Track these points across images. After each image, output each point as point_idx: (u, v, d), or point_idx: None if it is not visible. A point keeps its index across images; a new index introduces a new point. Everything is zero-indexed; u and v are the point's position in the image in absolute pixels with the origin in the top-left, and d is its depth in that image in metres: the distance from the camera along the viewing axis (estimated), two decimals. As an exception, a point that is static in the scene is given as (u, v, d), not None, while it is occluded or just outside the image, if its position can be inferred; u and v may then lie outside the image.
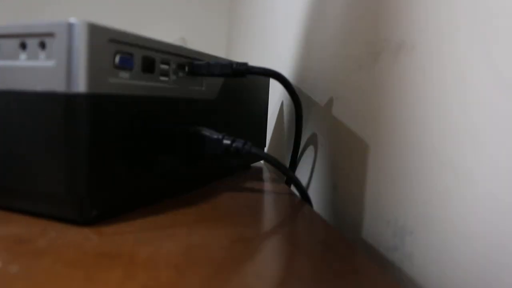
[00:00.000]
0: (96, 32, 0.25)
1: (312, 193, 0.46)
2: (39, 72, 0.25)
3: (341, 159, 0.38)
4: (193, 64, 0.36)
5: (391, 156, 0.29)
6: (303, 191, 0.37)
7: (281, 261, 0.23)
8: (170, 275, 0.20)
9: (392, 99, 0.30)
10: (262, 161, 0.61)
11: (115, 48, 0.27)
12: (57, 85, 0.25)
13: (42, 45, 0.26)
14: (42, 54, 0.26)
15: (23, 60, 0.26)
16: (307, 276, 0.21)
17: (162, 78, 0.32)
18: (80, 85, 0.25)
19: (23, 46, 0.26)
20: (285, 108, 0.62)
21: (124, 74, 0.28)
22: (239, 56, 1.25)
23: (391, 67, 0.30)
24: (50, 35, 0.25)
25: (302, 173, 0.51)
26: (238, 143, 0.35)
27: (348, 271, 0.22)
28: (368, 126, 0.33)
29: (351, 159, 0.36)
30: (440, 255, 0.23)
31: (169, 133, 0.33)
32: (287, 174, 0.37)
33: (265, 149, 0.73)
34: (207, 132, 0.36)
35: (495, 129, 0.20)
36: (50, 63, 0.25)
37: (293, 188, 0.52)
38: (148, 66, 0.30)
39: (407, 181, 0.27)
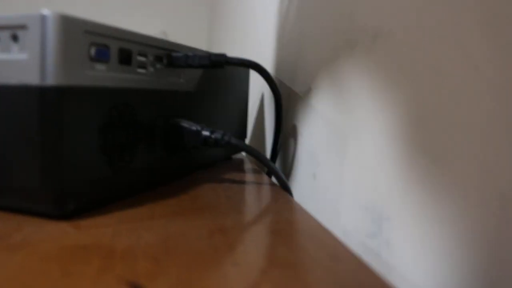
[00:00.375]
0: (69, 24, 0.25)
1: (293, 182, 0.46)
2: (12, 65, 0.25)
3: (320, 148, 0.39)
4: (171, 56, 0.36)
5: (368, 143, 0.30)
6: (282, 181, 0.37)
7: (260, 249, 0.23)
8: (148, 266, 0.20)
9: (369, 88, 0.30)
10: (243, 153, 0.61)
11: (90, 40, 0.27)
12: (31, 78, 0.25)
13: (15, 38, 0.25)
14: (14, 47, 0.25)
15: (-5, 53, 0.26)
16: (285, 263, 0.22)
17: (140, 70, 0.32)
18: (54, 78, 0.24)
19: (-5, 38, 0.26)
20: (265, 99, 0.62)
21: (101, 66, 0.28)
22: (220, 49, 1.24)
23: (368, 55, 0.30)
24: (23, 27, 0.25)
25: (282, 164, 0.51)
26: (217, 134, 0.35)
27: (326, 257, 0.23)
28: (345, 115, 0.33)
29: (329, 148, 0.36)
30: (416, 240, 0.24)
31: (148, 125, 0.33)
32: (266, 164, 0.37)
33: (247, 141, 0.73)
34: (186, 123, 0.36)
35: (469, 115, 0.21)
36: (23, 55, 0.25)
37: (274, 179, 0.52)
38: (125, 58, 0.30)
39: (384, 168, 0.27)
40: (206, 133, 0.35)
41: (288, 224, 0.28)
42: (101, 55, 0.28)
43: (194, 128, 0.35)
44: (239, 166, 0.49)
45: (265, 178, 0.43)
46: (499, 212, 0.18)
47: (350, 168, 0.32)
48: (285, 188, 0.38)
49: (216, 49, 1.33)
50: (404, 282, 0.25)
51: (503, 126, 0.18)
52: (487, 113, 0.19)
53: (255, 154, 0.36)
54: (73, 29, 0.25)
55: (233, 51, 0.98)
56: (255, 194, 0.36)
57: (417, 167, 0.24)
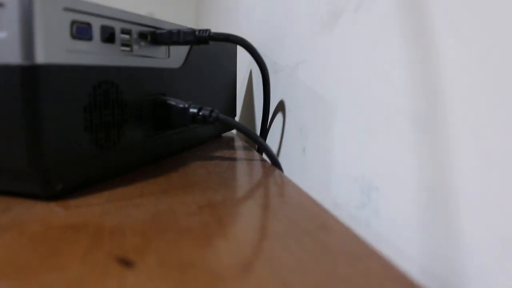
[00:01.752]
0: (48, 0, 0.24)
1: (282, 158, 0.46)
2: (-9, 44, 0.25)
3: (308, 122, 0.38)
4: (155, 33, 0.35)
5: (356, 115, 0.30)
6: (272, 156, 0.37)
7: (249, 222, 0.23)
8: (137, 242, 0.20)
9: (354, 59, 0.30)
10: (233, 131, 0.60)
11: (71, 17, 0.26)
12: (12, 57, 0.24)
13: (-8, 17, 0.25)
14: (-7, 26, 0.25)
15: (-27, 33, 0.25)
16: (275, 234, 0.22)
17: (124, 48, 0.31)
18: (35, 56, 0.24)
19: (-27, 18, 0.25)
20: (254, 76, 0.62)
21: (83, 44, 0.27)
22: (207, 27, 1.23)
23: (351, 26, 0.30)
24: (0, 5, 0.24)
25: (272, 139, 0.51)
26: (205, 111, 0.35)
27: (316, 229, 0.23)
28: (332, 87, 0.33)
29: (317, 121, 0.36)
30: (405, 209, 0.24)
31: (134, 103, 0.33)
32: (255, 139, 0.37)
33: (237, 119, 0.73)
34: (173, 101, 0.35)
35: (454, 83, 0.21)
36: (2, 34, 0.24)
37: (265, 155, 0.52)
38: (108, 36, 0.30)
39: (372, 139, 0.27)
40: (193, 110, 0.35)
41: (278, 198, 0.28)
42: (83, 33, 0.27)
43: (181, 105, 0.35)
44: (229, 143, 0.49)
45: (255, 154, 0.42)
46: (488, 175, 0.19)
47: (338, 141, 0.32)
48: (275, 163, 0.38)
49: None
50: (393, 249, 0.25)
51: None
52: (480, 85, 0.19)
53: (244, 130, 0.36)
54: (52, 6, 0.25)
55: (221, 30, 0.97)
56: (245, 170, 0.36)
57: (406, 136, 0.24)
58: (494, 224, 0.18)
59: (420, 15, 0.23)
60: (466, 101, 0.20)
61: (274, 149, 0.50)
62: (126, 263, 0.18)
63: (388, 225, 0.25)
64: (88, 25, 0.28)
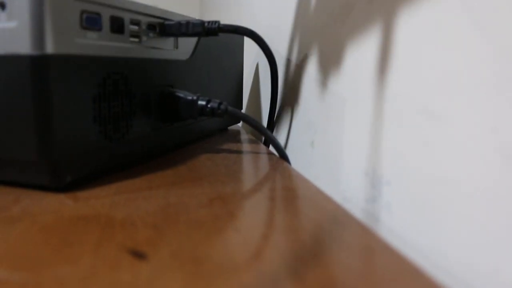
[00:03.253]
0: (58, -10, 0.24)
1: (291, 151, 0.46)
2: (0, 34, 0.24)
3: (317, 115, 0.38)
4: (164, 24, 0.35)
5: (366, 108, 0.29)
6: (280, 149, 0.37)
7: (260, 215, 0.23)
8: (149, 233, 0.20)
9: (367, 51, 0.29)
10: (239, 124, 0.60)
11: (81, 7, 0.26)
12: (21, 47, 0.24)
13: (2, 6, 0.24)
14: (2, 16, 0.24)
15: (-17, 22, 0.25)
16: (286, 228, 0.21)
17: (133, 39, 0.31)
18: (45, 46, 0.24)
19: (-18, 7, 0.25)
20: (260, 69, 0.61)
21: (92, 35, 0.27)
22: (213, 19, 1.22)
23: (364, 19, 0.30)
24: (10, -6, 0.24)
25: (280, 132, 0.51)
26: (214, 104, 0.35)
27: (327, 222, 0.22)
28: (343, 80, 0.33)
29: (327, 115, 0.36)
30: (417, 203, 0.24)
31: (143, 95, 0.32)
32: (263, 132, 0.37)
33: (243, 111, 0.72)
34: (181, 93, 0.35)
35: (468, 77, 0.20)
36: (12, 24, 0.24)
37: (272, 149, 0.52)
38: (117, 27, 0.29)
39: (383, 132, 0.27)
40: (202, 102, 0.35)
41: (287, 191, 0.28)
42: (93, 23, 0.27)
43: (190, 97, 0.35)
44: (236, 136, 0.49)
45: (262, 147, 0.42)
46: (500, 168, 0.18)
47: (348, 134, 0.32)
48: (283, 156, 0.37)
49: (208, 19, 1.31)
50: (404, 244, 0.25)
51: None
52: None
53: (252, 122, 0.36)
54: (62, -4, 0.25)
55: (226, 22, 0.97)
56: (253, 163, 0.36)
57: (416, 129, 0.24)
58: (507, 222, 0.18)
59: (436, 8, 0.23)
60: (470, 99, 0.19)
61: (281, 142, 0.50)
62: (138, 255, 0.18)
63: (400, 221, 0.25)
64: (98, 15, 0.28)
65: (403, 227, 0.25)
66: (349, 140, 0.32)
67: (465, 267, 0.20)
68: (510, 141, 0.18)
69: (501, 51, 0.18)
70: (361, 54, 0.30)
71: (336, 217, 0.23)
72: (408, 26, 0.25)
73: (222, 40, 0.47)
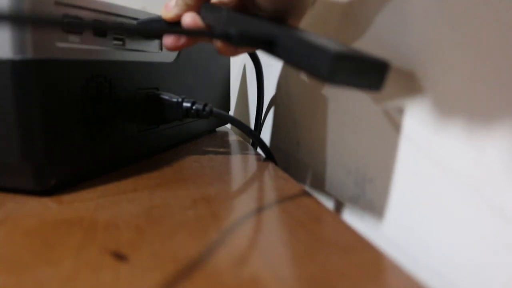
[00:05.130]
0: (39, -6, 0.24)
1: (277, 151, 0.46)
2: (-18, 39, 0.24)
3: (302, 115, 0.38)
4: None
5: (349, 108, 0.30)
6: (266, 149, 0.37)
7: (243, 215, 0.23)
8: (131, 236, 0.20)
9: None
10: (228, 126, 0.60)
11: (62, 11, 0.26)
12: (3, 52, 0.24)
13: (-17, 11, 0.24)
14: (-17, 20, 0.24)
15: (-37, 28, 0.25)
16: (269, 227, 0.22)
17: (116, 42, 0.31)
18: (26, 51, 0.24)
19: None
20: (248, 71, 0.62)
21: (74, 39, 0.27)
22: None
23: (345, 18, 0.30)
24: (-10, -1, 0.24)
25: (266, 133, 0.51)
26: (199, 105, 0.35)
27: (310, 220, 0.23)
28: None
29: (312, 115, 0.36)
30: (397, 200, 0.24)
31: (127, 97, 0.32)
32: (249, 133, 0.37)
33: (231, 113, 0.72)
34: (166, 95, 0.35)
35: (452, 76, 0.21)
36: (-7, 29, 0.24)
37: (259, 150, 0.52)
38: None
39: (365, 132, 0.27)
40: (187, 104, 0.35)
41: (272, 191, 0.28)
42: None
43: (174, 99, 0.35)
44: (223, 138, 0.49)
45: (249, 148, 0.42)
46: (476, 161, 0.19)
47: (332, 133, 0.32)
48: (270, 157, 0.38)
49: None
50: (387, 241, 0.25)
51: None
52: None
53: (238, 124, 0.36)
54: (43, 0, 0.25)
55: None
56: (239, 164, 0.36)
57: (398, 129, 0.24)
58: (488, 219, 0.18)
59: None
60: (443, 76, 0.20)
61: (268, 143, 0.50)
62: (119, 256, 0.18)
63: (382, 217, 0.25)
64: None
65: (384, 222, 0.25)
66: (333, 140, 0.32)
67: (448, 265, 0.20)
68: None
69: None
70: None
71: (319, 216, 0.23)
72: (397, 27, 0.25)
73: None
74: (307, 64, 0.20)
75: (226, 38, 0.21)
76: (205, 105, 0.35)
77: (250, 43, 0.22)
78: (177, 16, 0.29)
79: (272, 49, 0.22)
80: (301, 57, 0.20)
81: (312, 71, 0.19)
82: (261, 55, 0.53)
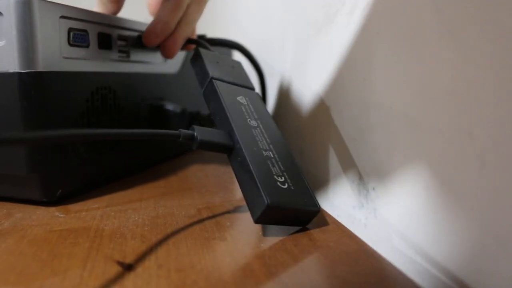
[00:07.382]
0: (45, 9, 0.25)
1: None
2: (-10, 53, 0.25)
3: (305, 124, 0.39)
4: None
5: (352, 117, 0.30)
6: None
7: (247, 224, 0.24)
8: (136, 245, 0.21)
9: (349, 60, 0.30)
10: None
11: (68, 25, 0.27)
12: (10, 65, 0.24)
13: (-10, 26, 0.25)
14: (-9, 35, 0.25)
15: (-28, 42, 0.26)
16: (272, 235, 0.22)
17: (121, 55, 0.32)
18: (33, 64, 0.24)
19: (-29, 27, 0.26)
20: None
21: (80, 52, 0.28)
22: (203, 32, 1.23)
23: (346, 28, 0.30)
24: (-2, 14, 0.25)
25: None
26: (203, 115, 0.35)
27: (313, 228, 0.23)
28: (329, 89, 0.34)
29: (314, 124, 0.36)
30: (400, 207, 0.24)
31: (132, 109, 0.33)
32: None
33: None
34: (170, 106, 0.36)
35: (452, 83, 0.21)
36: (0, 43, 0.25)
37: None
38: (105, 43, 0.30)
39: (367, 140, 0.28)
40: (191, 114, 0.35)
41: (275, 199, 0.28)
42: (80, 40, 0.28)
43: (179, 110, 0.35)
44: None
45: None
46: (478, 174, 0.19)
47: (335, 141, 0.32)
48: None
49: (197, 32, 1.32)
50: (391, 249, 0.25)
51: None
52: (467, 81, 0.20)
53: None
54: (49, 14, 0.25)
55: (215, 34, 0.97)
56: (243, 172, 0.36)
57: (401, 136, 0.24)
58: (490, 224, 0.18)
59: (413, 15, 0.23)
60: (455, 102, 0.20)
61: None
62: (126, 266, 0.18)
63: (386, 225, 0.26)
64: (85, 32, 0.28)
65: (387, 230, 0.25)
66: (336, 148, 0.32)
67: (451, 270, 0.21)
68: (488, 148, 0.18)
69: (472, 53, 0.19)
70: (342, 63, 0.31)
71: (323, 224, 0.24)
72: (386, 35, 0.25)
73: (211, 52, 0.48)
74: (246, 193, 0.22)
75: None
76: (209, 115, 0.35)
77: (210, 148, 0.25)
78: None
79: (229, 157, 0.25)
80: (245, 184, 0.23)
81: (248, 203, 0.22)
82: (264, 65, 0.53)
